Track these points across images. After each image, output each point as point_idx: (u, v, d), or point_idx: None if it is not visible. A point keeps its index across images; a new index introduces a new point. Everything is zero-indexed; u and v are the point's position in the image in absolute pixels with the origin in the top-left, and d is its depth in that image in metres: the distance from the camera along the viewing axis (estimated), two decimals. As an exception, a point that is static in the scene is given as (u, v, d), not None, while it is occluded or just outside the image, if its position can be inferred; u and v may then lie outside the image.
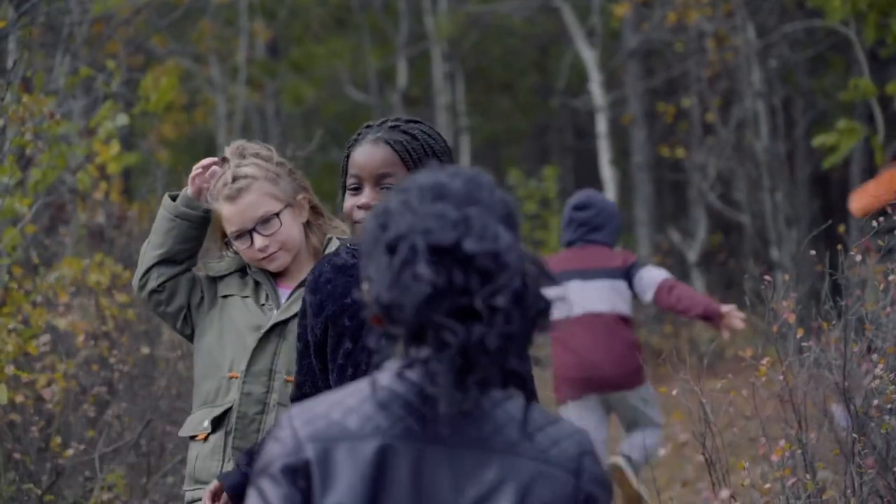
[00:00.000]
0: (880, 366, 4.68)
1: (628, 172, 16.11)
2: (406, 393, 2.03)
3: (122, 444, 6.12)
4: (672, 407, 7.23)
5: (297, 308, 3.66)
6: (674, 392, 4.79)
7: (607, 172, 14.99)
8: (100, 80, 8.05)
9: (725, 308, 6.39)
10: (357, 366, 3.17)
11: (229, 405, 3.65)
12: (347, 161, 3.22)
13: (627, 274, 6.62)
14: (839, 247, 4.88)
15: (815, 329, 4.94)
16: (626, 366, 6.53)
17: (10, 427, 5.85)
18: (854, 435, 4.58)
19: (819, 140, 10.03)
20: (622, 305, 6.64)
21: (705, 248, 14.56)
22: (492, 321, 1.97)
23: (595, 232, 6.69)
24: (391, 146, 3.16)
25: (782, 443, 4.64)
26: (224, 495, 3.43)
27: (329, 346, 3.24)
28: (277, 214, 3.69)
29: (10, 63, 7.02)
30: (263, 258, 3.70)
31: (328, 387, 3.24)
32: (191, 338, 3.80)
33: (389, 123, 3.21)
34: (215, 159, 3.76)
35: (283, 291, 3.74)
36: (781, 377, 4.67)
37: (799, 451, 4.64)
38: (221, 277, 3.79)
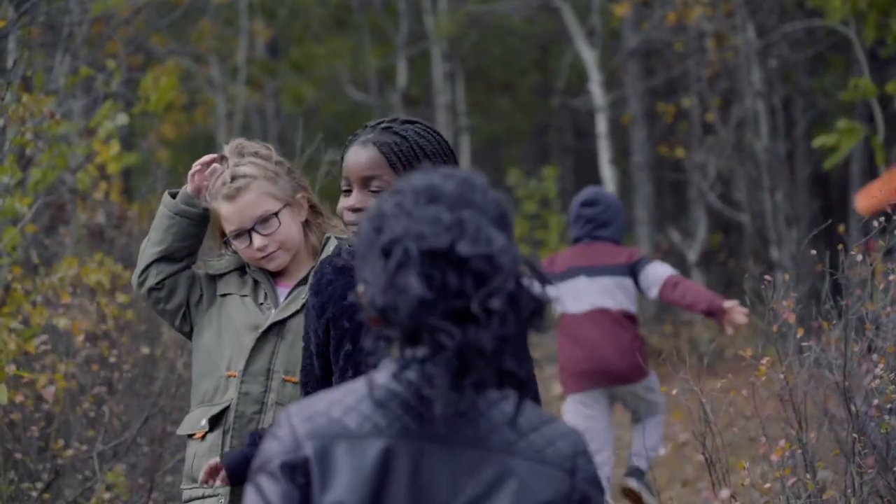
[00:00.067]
0: (881, 365, 4.68)
1: (628, 172, 16.10)
2: (403, 392, 2.05)
3: (119, 441, 6.12)
4: (672, 407, 7.24)
5: (295, 307, 3.66)
6: (674, 392, 4.79)
7: (607, 172, 14.99)
8: (100, 79, 8.04)
9: (728, 303, 6.49)
10: (357, 367, 3.19)
11: (227, 404, 3.65)
12: (342, 162, 3.25)
13: (633, 270, 6.75)
14: (839, 246, 4.88)
15: (816, 329, 4.94)
16: (633, 359, 6.65)
17: (10, 426, 5.85)
18: (854, 435, 4.58)
19: (819, 141, 10.02)
20: (627, 302, 6.76)
21: (705, 248, 14.55)
22: (487, 323, 1.99)
23: (602, 228, 6.82)
24: (378, 148, 3.17)
25: (782, 442, 4.64)
26: (222, 472, 3.44)
27: (331, 347, 3.25)
28: (276, 214, 3.68)
29: (10, 63, 7.02)
30: (262, 257, 3.69)
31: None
32: (189, 335, 3.80)
33: (383, 125, 3.21)
34: (215, 156, 3.75)
35: (282, 290, 3.73)
36: (782, 377, 4.67)
37: (799, 451, 4.64)
38: (220, 275, 3.79)
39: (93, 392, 6.32)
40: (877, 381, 4.66)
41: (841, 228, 6.25)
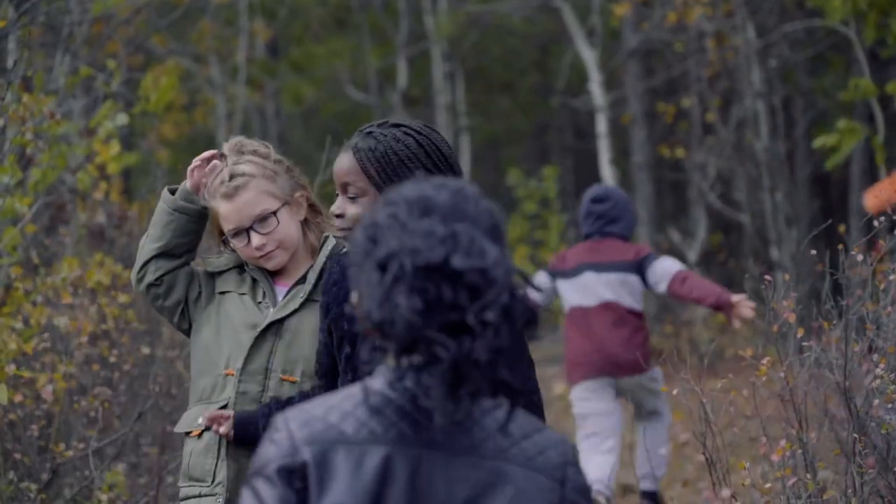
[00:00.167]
0: (881, 365, 4.68)
1: (628, 172, 16.09)
2: (399, 399, 2.07)
3: (115, 437, 6.12)
4: (672, 407, 7.25)
5: (293, 306, 3.66)
6: (674, 392, 4.78)
7: (607, 172, 14.98)
8: (100, 79, 8.04)
9: (736, 298, 6.59)
10: (355, 370, 3.20)
11: (224, 402, 3.64)
12: None
13: (640, 267, 6.84)
14: (840, 246, 4.88)
15: (816, 329, 4.94)
16: (640, 351, 6.80)
17: (9, 426, 5.85)
18: (854, 435, 4.58)
19: (819, 141, 10.02)
20: (632, 299, 6.90)
21: (705, 248, 14.55)
22: (482, 335, 2.02)
23: (612, 224, 6.95)
24: (354, 154, 3.20)
25: (783, 442, 4.63)
26: (229, 422, 3.51)
27: (335, 347, 3.27)
28: (275, 213, 3.67)
29: (10, 63, 7.02)
30: (261, 256, 3.68)
31: (336, 387, 3.26)
32: (188, 332, 3.79)
33: (367, 129, 3.23)
34: (215, 152, 3.74)
35: (281, 289, 3.73)
36: (782, 377, 4.67)
37: (799, 451, 4.64)
38: (219, 273, 3.78)
39: (93, 392, 6.32)
40: (877, 381, 4.66)
41: (841, 228, 6.26)
